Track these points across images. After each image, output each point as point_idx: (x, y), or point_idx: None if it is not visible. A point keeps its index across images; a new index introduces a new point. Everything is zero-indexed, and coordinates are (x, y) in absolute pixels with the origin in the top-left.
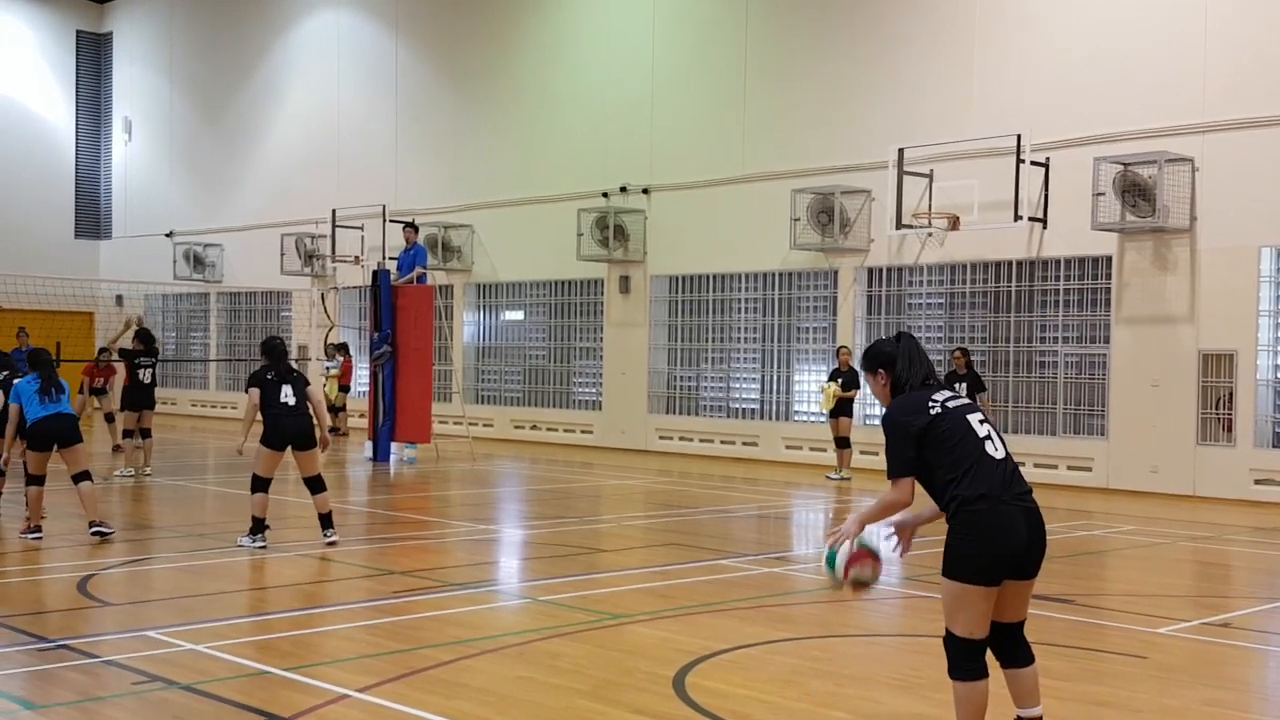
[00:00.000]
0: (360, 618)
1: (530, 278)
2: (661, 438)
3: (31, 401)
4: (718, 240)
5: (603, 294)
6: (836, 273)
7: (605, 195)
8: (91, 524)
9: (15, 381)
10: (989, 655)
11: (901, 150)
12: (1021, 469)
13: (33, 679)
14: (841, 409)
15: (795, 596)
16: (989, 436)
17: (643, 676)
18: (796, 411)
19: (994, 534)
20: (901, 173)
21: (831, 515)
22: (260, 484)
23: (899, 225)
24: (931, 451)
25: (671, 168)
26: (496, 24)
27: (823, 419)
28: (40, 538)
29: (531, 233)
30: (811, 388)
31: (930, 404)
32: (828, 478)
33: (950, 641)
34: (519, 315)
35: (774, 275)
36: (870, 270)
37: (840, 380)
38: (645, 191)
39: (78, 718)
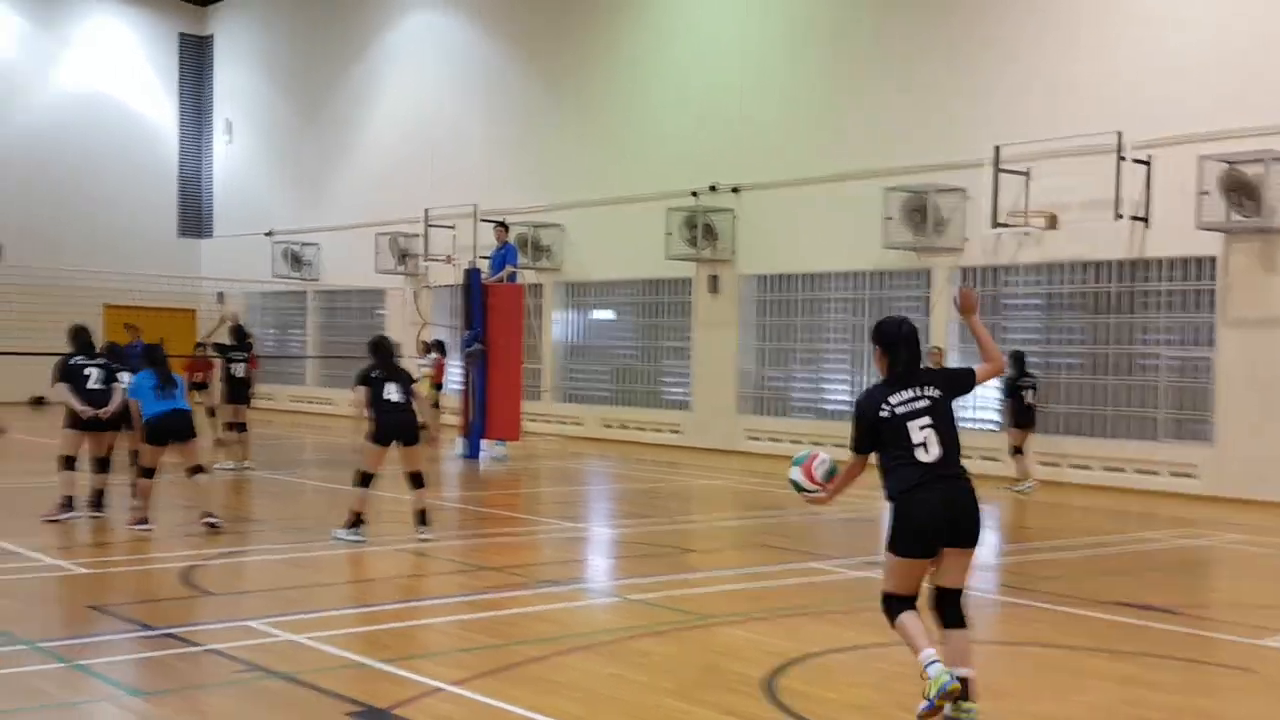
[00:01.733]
0: (453, 612)
1: (619, 277)
2: (750, 438)
3: (149, 397)
4: (808, 239)
5: (691, 293)
6: (930, 272)
7: (694, 194)
8: (204, 514)
9: (133, 378)
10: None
11: (998, 148)
12: (1120, 474)
13: (139, 666)
14: None
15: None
16: (923, 443)
17: (732, 677)
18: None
19: (911, 521)
20: (998, 170)
21: None
22: (364, 479)
23: (995, 224)
24: (877, 442)
25: (761, 166)
26: (589, 24)
27: None
28: (149, 529)
29: (621, 232)
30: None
31: (883, 406)
32: None
33: (883, 596)
34: (608, 314)
35: (865, 275)
36: (965, 270)
37: None
38: (735, 190)
39: (182, 705)
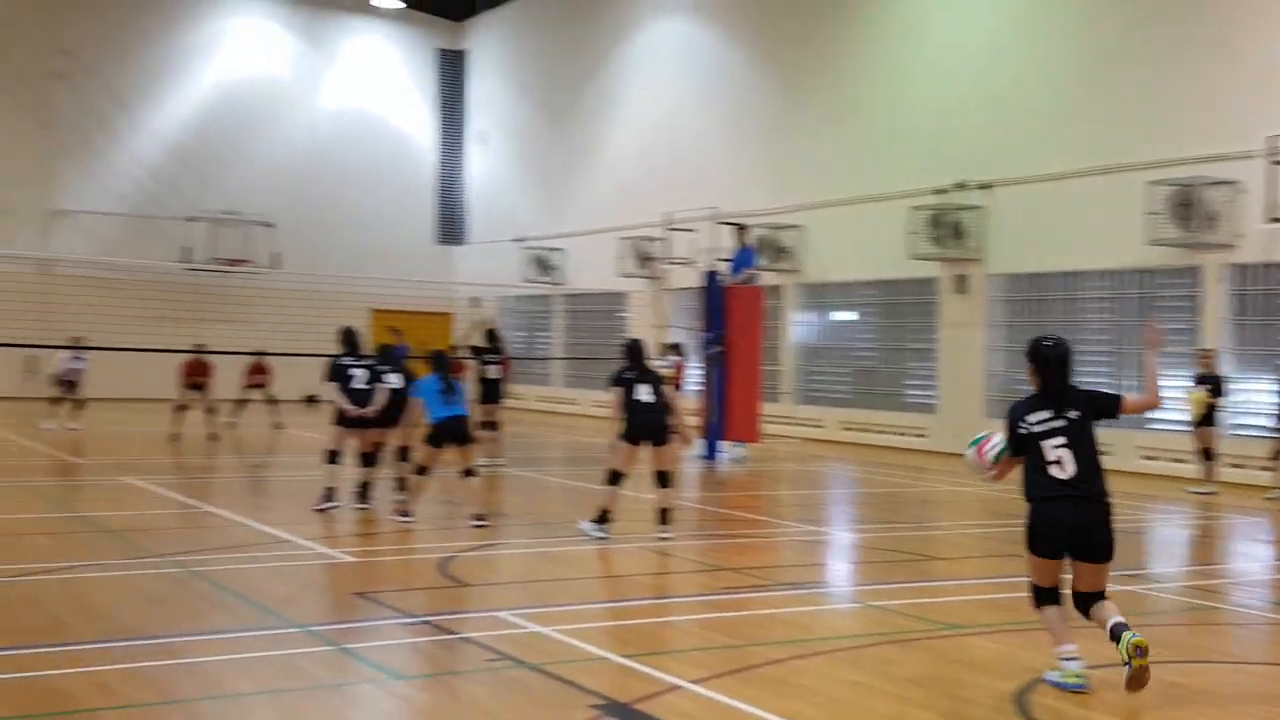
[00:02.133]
0: (693, 611)
1: (861, 277)
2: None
3: (434, 401)
4: (1064, 236)
5: (937, 294)
6: (1198, 270)
7: (941, 192)
8: (475, 515)
9: (418, 380)
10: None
11: (1274, 138)
12: None
13: (399, 651)
14: (1207, 418)
15: (1152, 617)
16: (1057, 461)
17: (981, 690)
18: (1152, 419)
19: (1038, 528)
20: (1274, 162)
21: (1193, 533)
22: (614, 477)
23: (1272, 219)
24: (1021, 450)
25: (1013, 161)
26: (830, 21)
27: (1183, 428)
28: (410, 520)
29: (863, 232)
30: (1170, 394)
31: (1021, 423)
32: (1190, 492)
33: (1029, 586)
34: (849, 315)
35: (1126, 273)
36: (1238, 268)
37: (1208, 387)
38: (984, 187)
39: (439, 690)
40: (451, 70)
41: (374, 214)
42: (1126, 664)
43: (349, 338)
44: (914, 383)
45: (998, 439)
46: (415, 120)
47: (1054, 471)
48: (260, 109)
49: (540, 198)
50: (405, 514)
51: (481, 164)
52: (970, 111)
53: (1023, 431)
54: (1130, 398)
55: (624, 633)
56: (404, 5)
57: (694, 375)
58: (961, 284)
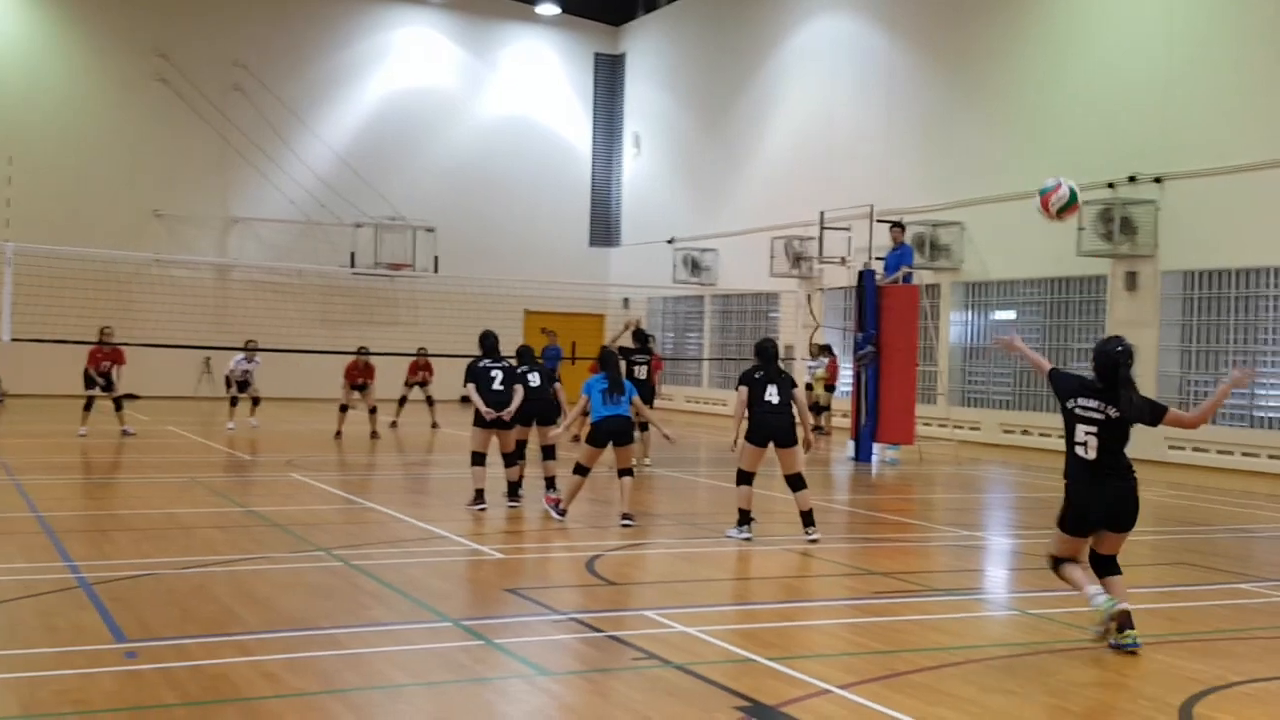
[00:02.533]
0: (842, 615)
1: (1024, 275)
2: (1172, 448)
3: (598, 400)
4: (1244, 231)
5: (1105, 292)
6: None
7: (1111, 186)
8: (624, 515)
9: (590, 378)
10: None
11: None
12: None
13: (547, 648)
14: None
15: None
16: (1084, 443)
17: (1145, 703)
18: None
19: (1071, 508)
20: None
21: None
22: (744, 478)
23: None
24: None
25: (1188, 153)
26: (994, 13)
27: None
28: (563, 515)
29: (1026, 228)
30: None
31: (1071, 399)
32: None
33: (1049, 558)
34: (1010, 315)
35: None
36: None
37: None
38: (1157, 180)
39: (586, 687)
40: (609, 74)
41: (530, 217)
42: (1108, 637)
43: (486, 340)
44: None
45: (1064, 190)
46: (572, 124)
47: (1079, 452)
48: (424, 117)
49: (693, 198)
50: (559, 510)
51: (635, 167)
52: (1140, 103)
53: (1069, 406)
54: (1175, 414)
55: (770, 635)
56: (563, 12)
57: (845, 376)
58: (1132, 281)
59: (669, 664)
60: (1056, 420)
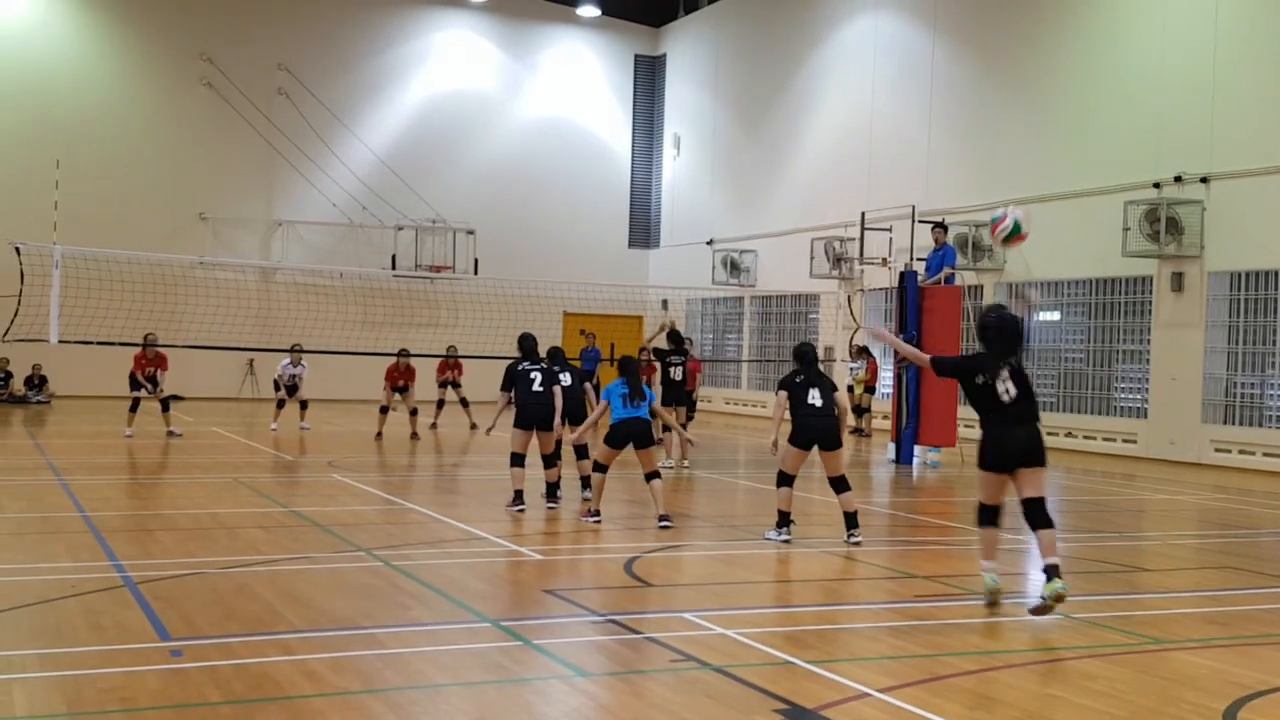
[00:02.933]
0: (882, 618)
1: (1068, 276)
2: (1218, 450)
3: (618, 403)
4: None
5: (1151, 292)
6: None
7: (1157, 186)
8: (661, 516)
9: (609, 384)
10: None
11: None
12: None
13: (585, 649)
14: None
15: None
16: (1006, 391)
17: (1188, 708)
18: None
19: (989, 446)
20: None
21: None
22: (785, 480)
23: None
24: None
25: (1235, 153)
26: (1038, 12)
27: None
28: (598, 520)
29: (1070, 228)
30: None
31: (979, 375)
32: None
33: (978, 505)
34: (1054, 315)
35: None
36: None
37: None
38: (1204, 180)
39: (624, 688)
40: (649, 75)
41: (570, 219)
42: (1043, 599)
43: (524, 343)
44: (1124, 386)
45: (1009, 222)
46: (612, 126)
47: (1004, 400)
48: (465, 119)
49: (732, 199)
50: (592, 514)
51: (675, 168)
52: (1187, 100)
53: (980, 383)
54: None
55: (809, 637)
56: (603, 14)
57: (886, 378)
58: (1178, 282)
59: (707, 666)
60: (1101, 422)
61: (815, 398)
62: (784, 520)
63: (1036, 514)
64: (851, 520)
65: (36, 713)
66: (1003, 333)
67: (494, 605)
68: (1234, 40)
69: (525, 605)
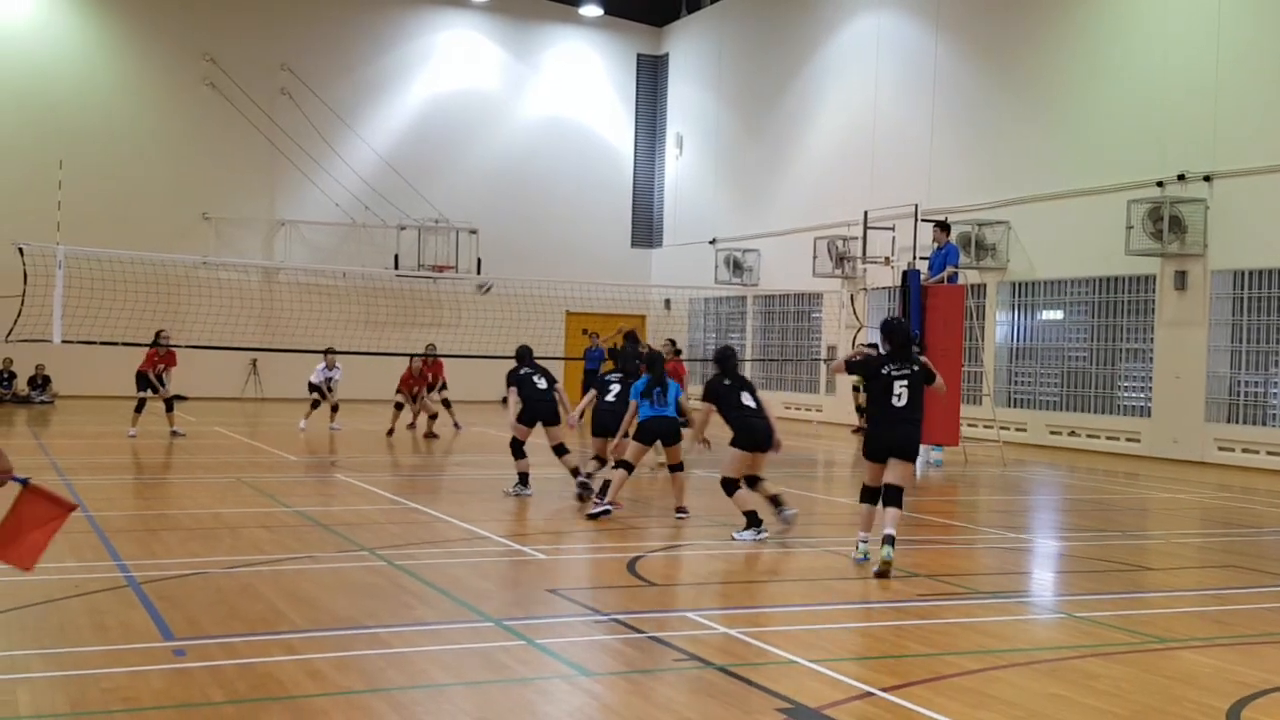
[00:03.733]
0: (885, 617)
1: (1071, 275)
2: (1221, 449)
3: (644, 401)
4: None
5: (1154, 291)
6: None
7: (1160, 184)
8: (678, 508)
9: (634, 383)
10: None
11: None
12: None
13: (588, 648)
14: None
15: None
16: (899, 394)
17: (1191, 706)
18: None
19: (870, 441)
20: None
21: None
22: (733, 485)
23: None
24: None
25: (1238, 151)
26: (1041, 11)
27: None
28: (609, 510)
29: (1074, 227)
30: None
31: (884, 368)
32: None
33: (862, 486)
34: (1058, 314)
35: None
36: None
37: None
38: (1207, 179)
39: (627, 688)
40: (651, 75)
41: (572, 218)
42: (876, 568)
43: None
44: (1127, 384)
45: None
46: (615, 125)
47: (894, 402)
48: (467, 119)
49: (735, 199)
50: (605, 500)
51: (677, 168)
52: (1190, 99)
53: (885, 373)
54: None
55: (812, 637)
56: (605, 13)
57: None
58: (1182, 281)
59: (710, 665)
60: (1104, 421)
61: (748, 399)
62: (754, 520)
63: (893, 497)
64: (752, 518)
65: (41, 712)
66: (893, 338)
67: (497, 604)
68: (1237, 38)
69: (528, 604)
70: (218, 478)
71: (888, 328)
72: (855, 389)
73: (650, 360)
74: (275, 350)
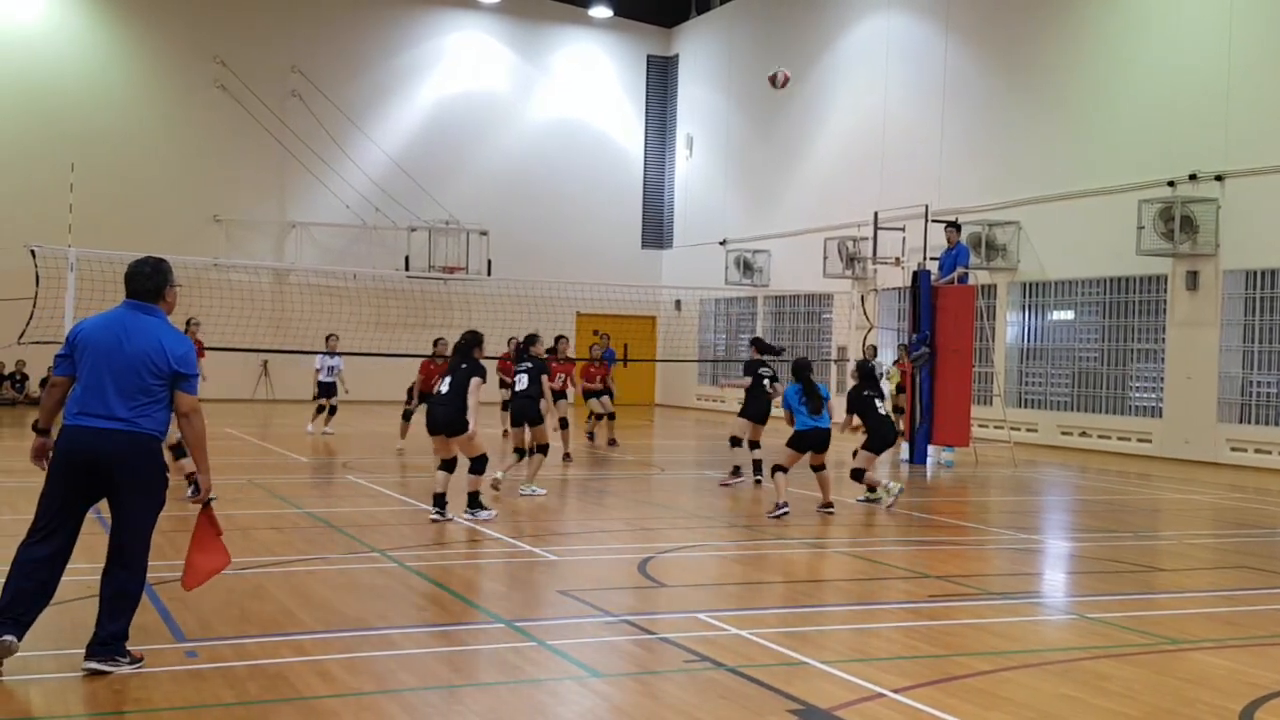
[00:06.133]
0: (896, 618)
1: (1082, 275)
2: (1234, 449)
3: (801, 412)
4: None
5: (1166, 291)
6: None
7: (1171, 184)
8: (824, 504)
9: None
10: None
11: None
12: None
13: (599, 649)
14: None
15: None
16: (881, 409)
17: (1204, 708)
18: None
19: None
20: None
21: None
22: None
23: None
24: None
25: (1250, 151)
26: (1051, 11)
27: None
28: (787, 513)
29: (1085, 227)
30: None
31: (866, 392)
32: None
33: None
34: (1068, 315)
35: None
36: None
37: None
38: (1218, 178)
39: (638, 689)
40: (661, 76)
41: (583, 220)
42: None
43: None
44: (1139, 385)
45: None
46: (624, 127)
47: (881, 412)
48: (477, 121)
49: (745, 199)
50: (779, 507)
51: (688, 169)
52: (1201, 98)
53: (866, 395)
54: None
55: (823, 638)
56: (615, 14)
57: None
58: (1193, 281)
59: (721, 666)
60: (1116, 422)
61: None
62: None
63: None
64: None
65: (53, 713)
66: (865, 370)
67: (507, 606)
68: (1249, 37)
69: (539, 606)
70: (228, 479)
71: (864, 366)
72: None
73: (798, 369)
74: (286, 352)
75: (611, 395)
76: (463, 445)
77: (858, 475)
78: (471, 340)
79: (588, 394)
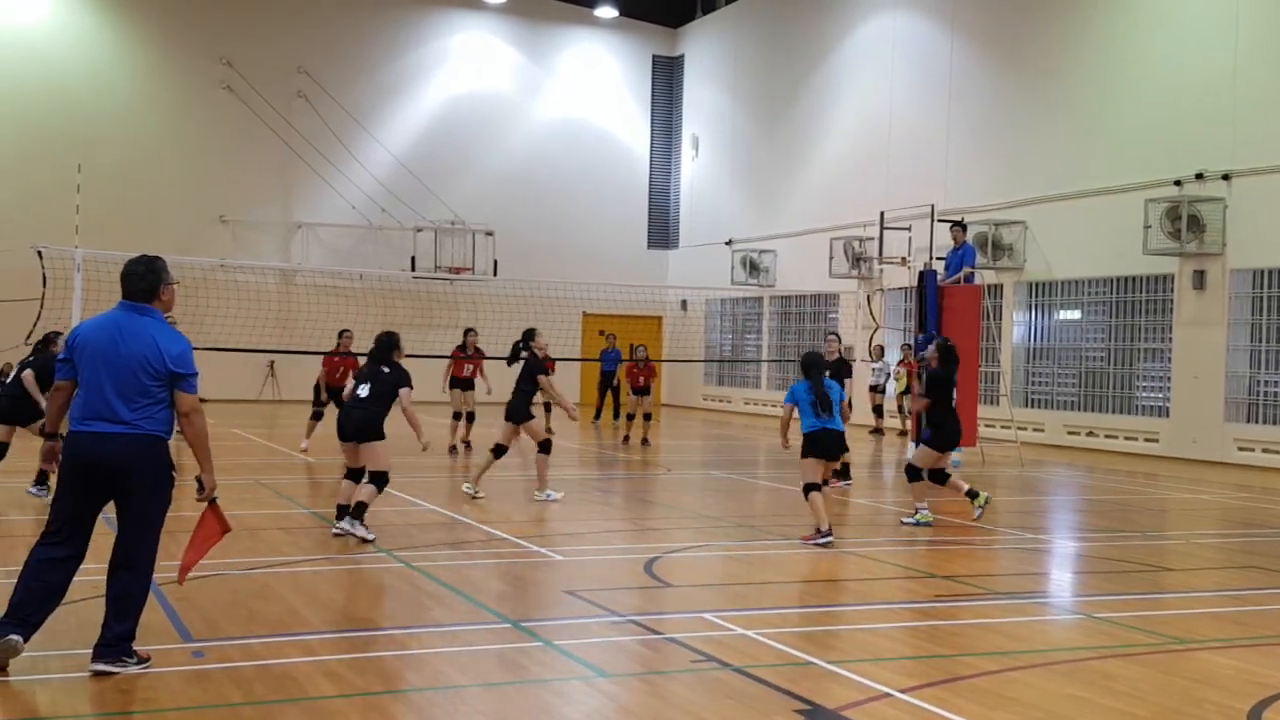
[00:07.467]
0: (902, 618)
1: (1088, 275)
2: (1241, 449)
3: (807, 411)
4: None
5: (1173, 290)
6: None
7: (1178, 183)
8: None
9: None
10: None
11: None
12: None
13: (605, 649)
14: None
15: None
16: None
17: (1211, 708)
18: None
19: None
20: None
21: None
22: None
23: None
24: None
25: (1257, 150)
26: (1056, 10)
27: None
28: (829, 541)
29: (1091, 227)
30: None
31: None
32: None
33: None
34: (1075, 314)
35: None
36: None
37: None
38: (1225, 177)
39: (644, 689)
40: (667, 76)
41: (588, 220)
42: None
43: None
44: (1146, 384)
45: None
46: (630, 127)
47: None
48: (483, 121)
49: (751, 200)
50: (822, 534)
51: (694, 169)
52: (1207, 97)
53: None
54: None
55: (830, 638)
56: (621, 15)
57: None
58: (1200, 280)
59: (727, 666)
60: (1122, 421)
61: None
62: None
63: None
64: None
65: (60, 713)
66: (812, 363)
67: (514, 606)
68: (1255, 35)
69: (545, 606)
70: (235, 479)
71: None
72: (873, 389)
73: (806, 364)
74: (293, 352)
75: (649, 395)
76: (369, 455)
77: (915, 474)
78: (389, 342)
79: (633, 391)
